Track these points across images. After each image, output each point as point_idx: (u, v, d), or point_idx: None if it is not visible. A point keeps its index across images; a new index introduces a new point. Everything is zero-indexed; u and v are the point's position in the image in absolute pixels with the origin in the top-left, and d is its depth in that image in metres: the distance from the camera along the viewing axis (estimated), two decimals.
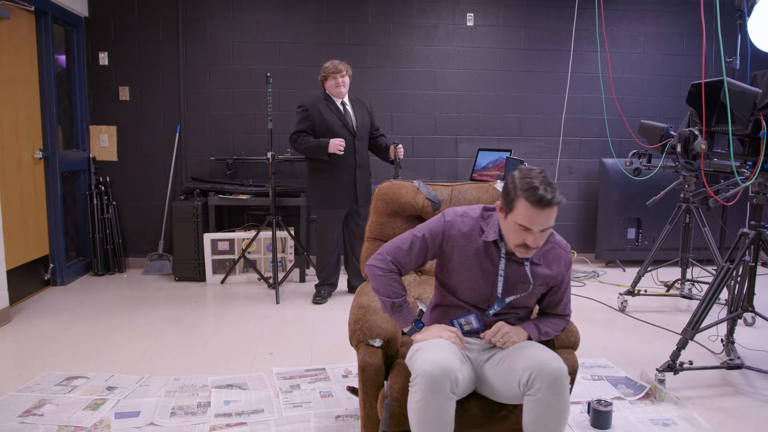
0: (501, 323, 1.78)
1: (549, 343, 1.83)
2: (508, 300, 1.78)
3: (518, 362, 1.64)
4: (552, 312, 1.90)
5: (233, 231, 4.68)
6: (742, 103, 2.46)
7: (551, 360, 1.60)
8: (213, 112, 4.89)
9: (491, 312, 1.80)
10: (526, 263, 1.77)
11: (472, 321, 1.80)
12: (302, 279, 4.59)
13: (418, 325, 1.81)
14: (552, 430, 1.60)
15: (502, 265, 1.76)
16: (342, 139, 3.79)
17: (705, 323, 2.68)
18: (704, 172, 2.70)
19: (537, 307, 1.95)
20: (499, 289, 1.78)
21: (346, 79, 3.86)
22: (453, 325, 1.82)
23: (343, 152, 3.78)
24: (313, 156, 3.85)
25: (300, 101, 3.95)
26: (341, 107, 3.90)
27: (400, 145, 3.99)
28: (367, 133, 3.97)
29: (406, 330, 1.82)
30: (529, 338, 1.80)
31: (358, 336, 1.88)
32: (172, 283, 4.49)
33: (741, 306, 2.78)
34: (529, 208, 1.60)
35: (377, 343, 1.83)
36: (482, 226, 1.79)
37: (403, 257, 1.81)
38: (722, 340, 2.93)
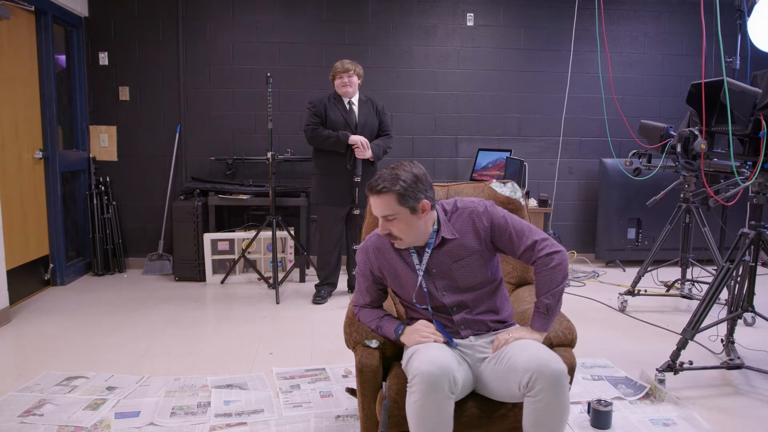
0: (497, 337, 1.78)
1: (545, 342, 1.83)
2: (427, 287, 1.80)
3: (518, 363, 1.62)
4: (526, 257, 1.77)
5: (233, 231, 4.68)
6: (742, 103, 2.46)
7: (551, 361, 1.60)
8: (213, 112, 4.89)
9: (426, 307, 1.82)
10: (426, 251, 1.79)
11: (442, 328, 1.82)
12: (302, 279, 4.59)
13: (398, 329, 1.81)
14: (553, 430, 1.60)
15: (415, 259, 1.80)
16: (364, 138, 3.82)
17: (705, 323, 2.68)
18: (704, 172, 2.70)
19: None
20: (419, 279, 1.80)
21: (353, 79, 3.86)
22: (437, 327, 1.82)
23: (363, 148, 3.80)
24: (330, 148, 3.83)
25: (309, 99, 4.01)
26: (347, 106, 3.91)
27: (361, 147, 3.79)
28: (371, 134, 3.95)
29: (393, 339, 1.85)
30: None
31: (354, 338, 1.88)
32: (172, 283, 4.49)
33: (741, 306, 2.78)
34: (371, 198, 1.73)
35: (374, 344, 1.84)
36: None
37: (361, 298, 1.92)
38: (722, 340, 2.93)
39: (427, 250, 1.79)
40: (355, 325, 1.91)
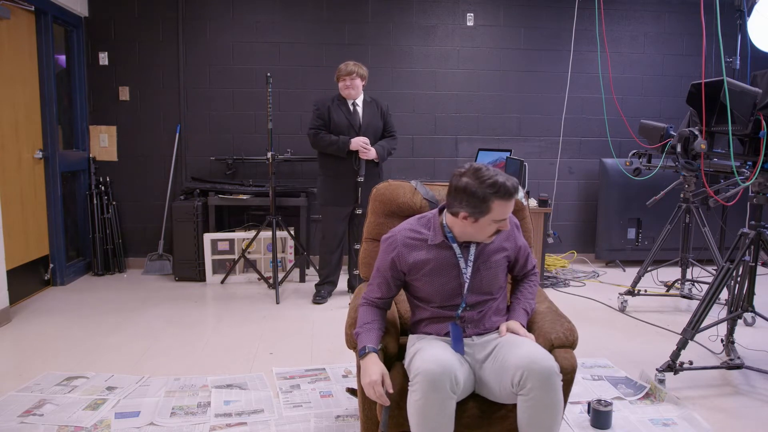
0: (506, 325, 1.85)
1: (546, 342, 1.83)
2: (465, 289, 1.81)
3: (510, 361, 1.65)
4: (522, 275, 2.00)
5: (233, 231, 4.68)
6: (742, 103, 2.46)
7: (542, 359, 1.61)
8: (213, 112, 4.89)
9: (462, 306, 1.81)
10: (471, 250, 1.81)
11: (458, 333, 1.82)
12: (302, 279, 4.59)
13: (363, 350, 1.74)
14: (547, 428, 1.61)
15: (462, 264, 1.80)
16: (366, 138, 3.84)
17: (705, 323, 2.68)
18: (704, 172, 2.70)
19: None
20: (466, 276, 1.80)
21: (356, 82, 3.86)
22: (451, 330, 1.81)
23: (366, 149, 3.83)
24: (333, 153, 3.85)
25: (314, 100, 4.02)
26: (351, 107, 3.92)
27: (364, 148, 3.84)
28: (375, 135, 3.96)
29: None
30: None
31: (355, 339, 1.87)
32: (172, 283, 4.49)
33: (741, 306, 2.78)
34: (504, 203, 1.69)
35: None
36: (421, 232, 1.84)
37: (371, 292, 1.89)
38: (722, 340, 2.93)
39: (472, 249, 1.81)
40: None
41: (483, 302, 1.84)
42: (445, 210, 1.81)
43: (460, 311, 1.82)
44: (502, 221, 1.72)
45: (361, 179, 3.86)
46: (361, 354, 1.74)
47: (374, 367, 1.69)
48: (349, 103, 3.92)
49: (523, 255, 1.95)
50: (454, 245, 1.80)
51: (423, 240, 1.82)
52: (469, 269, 1.80)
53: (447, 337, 1.82)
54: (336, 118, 3.86)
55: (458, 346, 1.78)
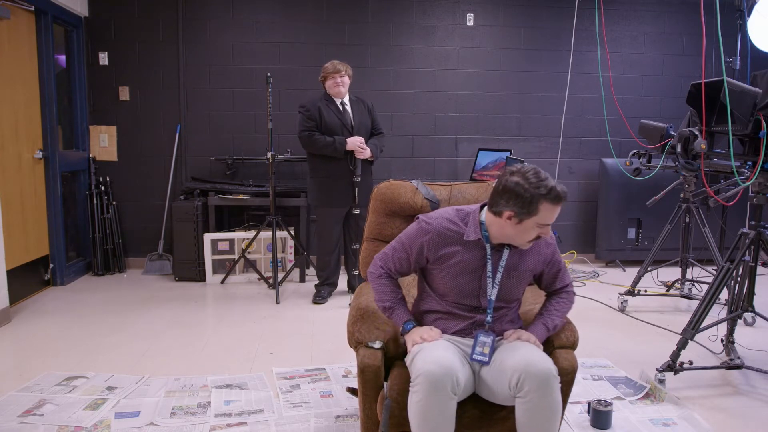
0: (508, 333, 1.82)
1: (547, 343, 1.83)
2: (493, 294, 1.79)
3: (508, 364, 1.65)
4: (553, 289, 1.93)
5: (233, 231, 4.68)
6: (742, 103, 2.46)
7: (539, 361, 1.61)
8: (213, 112, 4.89)
9: (490, 311, 1.80)
10: (506, 249, 1.79)
11: (486, 341, 1.77)
12: (302, 279, 4.59)
13: (407, 326, 1.79)
14: (546, 430, 1.60)
15: (489, 266, 1.78)
16: (362, 138, 3.85)
17: (705, 323, 2.68)
18: (704, 172, 2.70)
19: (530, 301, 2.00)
20: (489, 289, 1.78)
21: (346, 80, 3.87)
22: (478, 339, 1.77)
23: (362, 149, 3.83)
24: (329, 154, 3.84)
25: (301, 102, 3.97)
26: (341, 107, 3.92)
27: (361, 148, 3.84)
28: (366, 133, 3.98)
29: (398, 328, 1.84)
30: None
31: (357, 338, 1.87)
32: (172, 283, 4.49)
33: (741, 306, 2.78)
34: (552, 207, 1.66)
35: (377, 344, 1.83)
36: (459, 225, 1.81)
37: (390, 263, 1.88)
38: (722, 340, 2.93)
39: (504, 255, 1.79)
40: (359, 324, 1.89)
41: (497, 309, 1.82)
42: (485, 208, 1.78)
43: (489, 318, 1.80)
44: (545, 227, 1.69)
45: (358, 179, 3.86)
46: (407, 329, 1.79)
47: (422, 329, 1.76)
48: (338, 102, 3.92)
49: (551, 270, 1.89)
50: (487, 245, 1.78)
51: (459, 234, 1.79)
52: (499, 275, 1.78)
53: (453, 336, 1.82)
54: (328, 119, 3.85)
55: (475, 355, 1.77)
